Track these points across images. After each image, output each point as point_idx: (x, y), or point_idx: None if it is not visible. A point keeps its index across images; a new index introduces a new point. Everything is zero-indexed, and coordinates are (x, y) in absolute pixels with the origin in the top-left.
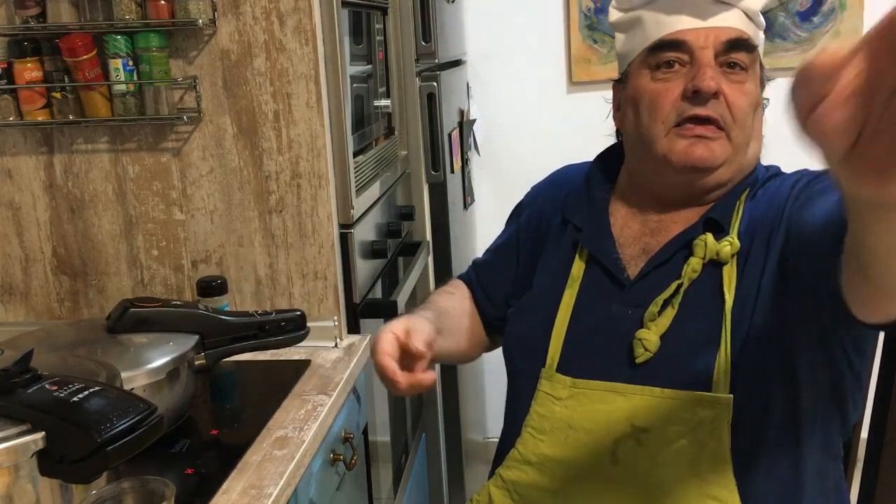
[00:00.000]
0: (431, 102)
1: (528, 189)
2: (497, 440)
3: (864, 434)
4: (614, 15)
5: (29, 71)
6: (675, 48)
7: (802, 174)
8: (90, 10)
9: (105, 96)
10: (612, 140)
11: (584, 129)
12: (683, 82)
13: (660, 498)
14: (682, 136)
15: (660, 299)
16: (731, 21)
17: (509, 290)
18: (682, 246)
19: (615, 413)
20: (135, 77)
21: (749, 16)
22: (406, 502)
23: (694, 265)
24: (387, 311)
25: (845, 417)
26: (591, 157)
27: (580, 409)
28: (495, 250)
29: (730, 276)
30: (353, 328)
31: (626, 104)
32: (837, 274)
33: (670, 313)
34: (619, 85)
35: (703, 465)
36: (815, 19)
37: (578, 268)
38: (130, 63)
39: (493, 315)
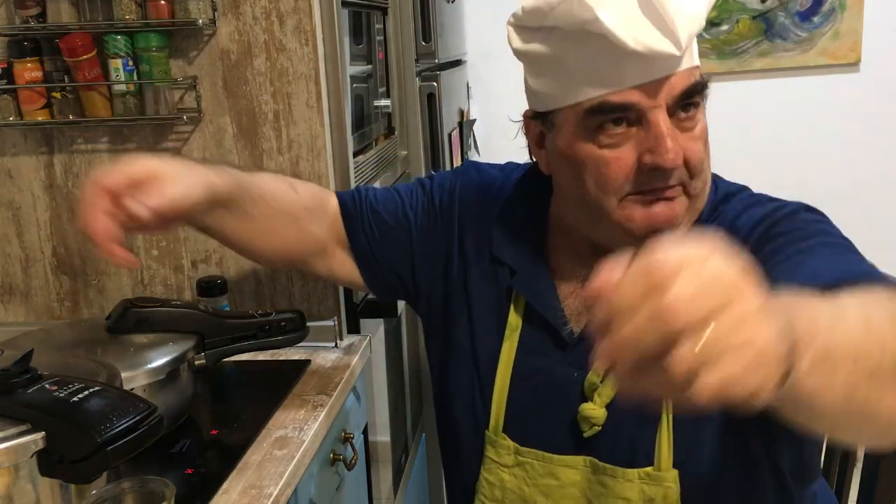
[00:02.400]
0: (431, 102)
1: None
2: None
3: None
4: (517, 42)
5: (29, 71)
6: (622, 111)
7: (766, 224)
8: (90, 10)
9: (105, 96)
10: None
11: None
12: (635, 148)
13: None
14: (640, 204)
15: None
16: (683, 62)
17: (412, 258)
18: None
19: (569, 488)
20: (135, 77)
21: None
22: (406, 502)
23: None
24: (387, 311)
25: (809, 463)
26: None
27: (531, 482)
28: (392, 212)
29: None
30: (353, 328)
31: (560, 162)
32: None
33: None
34: (540, 121)
35: None
36: (815, 19)
37: (516, 316)
38: (130, 63)
39: (382, 264)
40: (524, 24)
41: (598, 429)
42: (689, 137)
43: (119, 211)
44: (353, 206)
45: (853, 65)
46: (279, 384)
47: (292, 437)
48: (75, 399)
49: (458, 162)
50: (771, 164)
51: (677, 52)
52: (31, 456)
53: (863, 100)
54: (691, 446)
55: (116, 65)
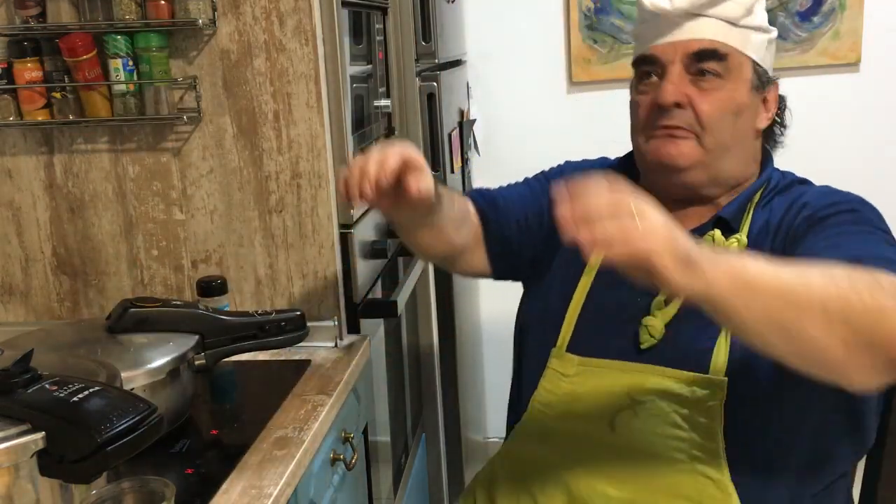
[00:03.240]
0: (431, 102)
1: None
2: (496, 440)
3: None
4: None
5: (29, 71)
6: (650, 63)
7: (808, 211)
8: (90, 10)
9: (105, 96)
10: (615, 144)
11: (584, 129)
12: (654, 94)
13: (653, 468)
14: (654, 137)
15: None
16: (701, 32)
17: (524, 241)
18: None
19: (615, 387)
20: (135, 77)
21: (731, 22)
22: (406, 502)
23: None
24: (387, 311)
25: (856, 420)
26: (591, 156)
27: (584, 385)
28: (518, 199)
29: None
30: (353, 328)
31: None
32: None
33: (677, 303)
34: None
35: (695, 441)
36: (815, 19)
37: (598, 257)
38: (130, 63)
39: (511, 251)
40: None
41: (654, 340)
42: (703, 94)
43: (390, 180)
44: (488, 209)
45: (853, 65)
46: (279, 384)
47: (292, 437)
48: (75, 399)
49: (458, 162)
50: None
51: (669, 8)
52: (31, 456)
53: (863, 100)
54: (745, 360)
55: (116, 65)
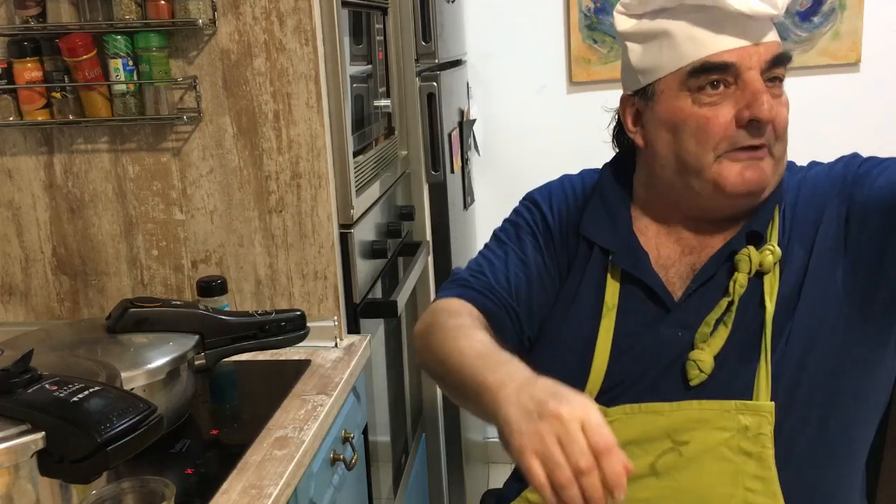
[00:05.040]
0: (431, 102)
1: (527, 189)
2: (496, 440)
3: None
4: (625, 23)
5: (29, 71)
6: (722, 70)
7: (841, 163)
8: (90, 10)
9: (105, 96)
10: (608, 147)
11: (584, 129)
12: (733, 106)
13: None
14: (735, 161)
15: (711, 318)
16: (772, 34)
17: (543, 307)
18: (725, 259)
19: (652, 431)
20: (135, 77)
21: (775, 22)
22: (406, 502)
23: (741, 281)
24: (387, 311)
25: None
26: (591, 156)
27: (617, 433)
28: (522, 268)
29: (771, 284)
30: (353, 328)
31: (659, 125)
32: None
33: (723, 332)
34: (636, 98)
35: (747, 473)
36: (815, 19)
37: (612, 294)
38: (130, 63)
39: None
40: (632, 11)
41: (704, 376)
42: (778, 103)
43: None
44: (495, 308)
45: (853, 65)
46: (279, 384)
47: (292, 437)
48: (75, 399)
49: (458, 162)
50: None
51: (775, 11)
52: (31, 456)
53: (863, 100)
54: (790, 382)
55: (116, 65)
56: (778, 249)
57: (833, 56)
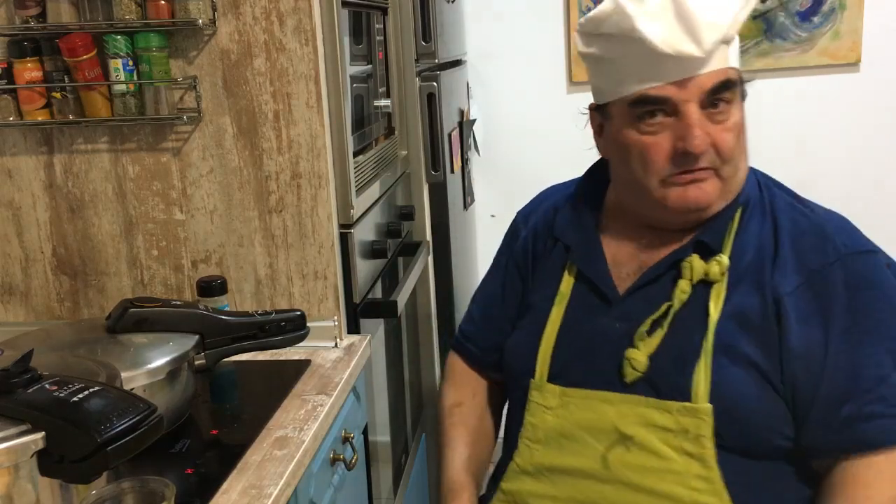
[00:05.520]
0: (431, 102)
1: (527, 189)
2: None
3: None
4: (581, 45)
5: (29, 71)
6: (659, 103)
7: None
8: (90, 10)
9: (105, 96)
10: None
11: (583, 129)
12: (671, 137)
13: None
14: (676, 184)
15: (649, 320)
16: (714, 63)
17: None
18: (671, 266)
19: (602, 420)
20: (135, 77)
21: (728, 41)
22: (406, 502)
23: (683, 287)
24: (387, 311)
25: None
26: (591, 156)
27: (570, 418)
28: (502, 300)
29: (718, 293)
30: (353, 328)
31: (613, 147)
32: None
33: (660, 333)
34: (599, 113)
35: (691, 473)
36: (815, 19)
37: (567, 285)
38: (130, 63)
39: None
40: (587, 31)
41: (638, 374)
42: (721, 128)
43: None
44: (479, 357)
45: (853, 65)
46: (279, 384)
47: (292, 437)
48: (75, 399)
49: (458, 162)
50: (771, 164)
51: (700, 54)
52: (31, 456)
53: (863, 100)
54: (726, 384)
55: (116, 65)
56: (726, 260)
57: (833, 56)
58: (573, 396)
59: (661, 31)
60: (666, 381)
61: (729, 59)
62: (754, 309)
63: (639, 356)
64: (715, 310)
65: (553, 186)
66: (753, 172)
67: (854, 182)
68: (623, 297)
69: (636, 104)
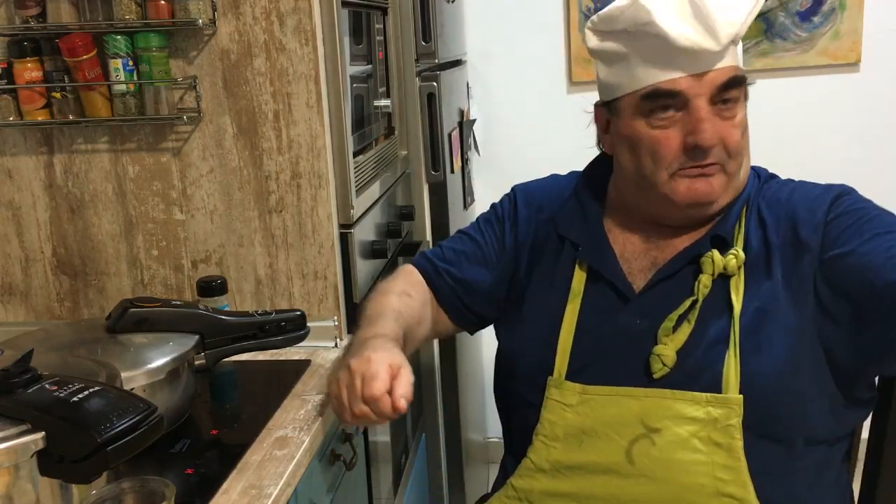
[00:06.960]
0: (431, 102)
1: None
2: (496, 440)
3: (865, 434)
4: (592, 41)
5: (29, 71)
6: (670, 97)
7: (836, 201)
8: (90, 10)
9: (105, 96)
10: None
11: (584, 128)
12: (681, 131)
13: (677, 497)
14: (684, 177)
15: (674, 315)
16: (725, 60)
17: (492, 289)
18: (690, 261)
19: (626, 415)
20: (135, 77)
21: (735, 41)
22: (406, 502)
23: (705, 282)
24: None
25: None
26: (591, 156)
27: (592, 415)
28: (479, 250)
29: (737, 285)
30: (353, 328)
31: (621, 141)
32: None
33: (686, 328)
34: (605, 109)
35: (717, 463)
36: (815, 19)
37: (579, 282)
38: (130, 63)
39: (471, 310)
40: (599, 28)
41: (667, 369)
42: (729, 125)
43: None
44: (436, 277)
45: (853, 65)
46: (279, 384)
47: (292, 437)
48: (75, 399)
49: (458, 162)
50: (770, 164)
51: (717, 48)
52: (31, 456)
53: (863, 100)
54: (756, 372)
55: (116, 65)
56: (741, 254)
57: (833, 56)
58: (594, 394)
59: (678, 26)
60: (695, 374)
61: (738, 57)
62: (770, 293)
63: (667, 351)
64: (737, 301)
65: (553, 176)
66: (753, 169)
67: (854, 182)
68: (640, 293)
69: (648, 98)
